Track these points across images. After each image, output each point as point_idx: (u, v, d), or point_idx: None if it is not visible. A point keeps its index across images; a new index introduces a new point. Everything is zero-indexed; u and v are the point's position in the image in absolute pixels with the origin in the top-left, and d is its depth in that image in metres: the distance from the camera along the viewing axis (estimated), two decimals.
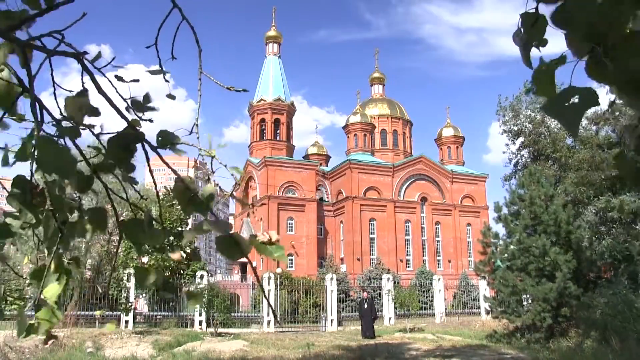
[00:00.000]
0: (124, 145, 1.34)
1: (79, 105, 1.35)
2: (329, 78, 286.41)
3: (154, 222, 1.39)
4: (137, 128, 1.39)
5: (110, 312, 19.63)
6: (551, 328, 13.99)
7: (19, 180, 1.34)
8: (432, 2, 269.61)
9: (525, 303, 14.97)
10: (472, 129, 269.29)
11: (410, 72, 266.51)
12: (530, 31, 1.08)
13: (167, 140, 1.37)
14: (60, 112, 1.39)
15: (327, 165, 63.43)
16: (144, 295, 22.68)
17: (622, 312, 11.95)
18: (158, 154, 1.37)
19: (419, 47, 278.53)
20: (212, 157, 1.41)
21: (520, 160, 27.87)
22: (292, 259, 50.04)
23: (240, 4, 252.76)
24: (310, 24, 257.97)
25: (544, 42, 1.10)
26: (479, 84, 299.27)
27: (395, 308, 25.37)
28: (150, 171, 1.44)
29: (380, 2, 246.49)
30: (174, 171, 1.44)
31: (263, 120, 56.80)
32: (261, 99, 57.05)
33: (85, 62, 1.44)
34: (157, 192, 2.10)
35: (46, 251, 1.45)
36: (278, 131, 57.19)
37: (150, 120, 1.49)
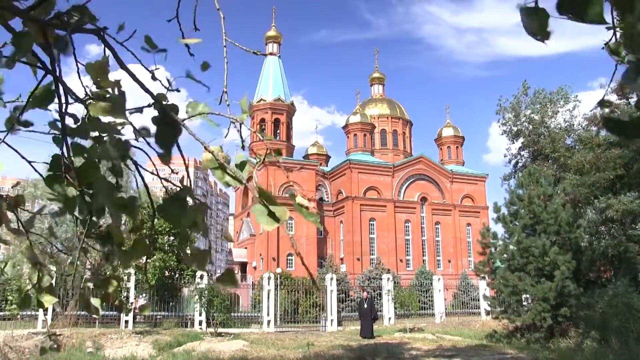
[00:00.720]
0: (166, 123, 1.32)
1: (101, 68, 1.32)
2: (329, 78, 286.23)
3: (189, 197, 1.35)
4: (164, 102, 1.37)
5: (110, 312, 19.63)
6: (551, 328, 14.00)
7: (55, 160, 1.32)
8: (432, 2, 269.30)
9: (525, 303, 14.98)
10: (472, 129, 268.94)
11: (410, 72, 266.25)
12: (531, 25, 1.05)
13: (197, 111, 1.36)
14: (85, 91, 1.37)
15: (327, 165, 63.40)
16: (144, 295, 22.68)
17: (622, 312, 11.95)
18: (186, 127, 1.35)
19: (419, 47, 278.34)
20: (240, 123, 1.39)
21: (520, 161, 27.94)
22: (292, 259, 50.07)
23: (240, 4, 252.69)
24: (310, 24, 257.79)
25: (547, 35, 1.06)
26: (479, 84, 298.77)
27: (395, 308, 25.35)
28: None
29: (380, 2, 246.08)
30: (179, 148, 1.42)
31: (263, 120, 56.76)
32: (261, 99, 57.03)
33: (107, 37, 1.41)
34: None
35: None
36: (278, 131, 57.16)
37: (177, 90, 1.47)
